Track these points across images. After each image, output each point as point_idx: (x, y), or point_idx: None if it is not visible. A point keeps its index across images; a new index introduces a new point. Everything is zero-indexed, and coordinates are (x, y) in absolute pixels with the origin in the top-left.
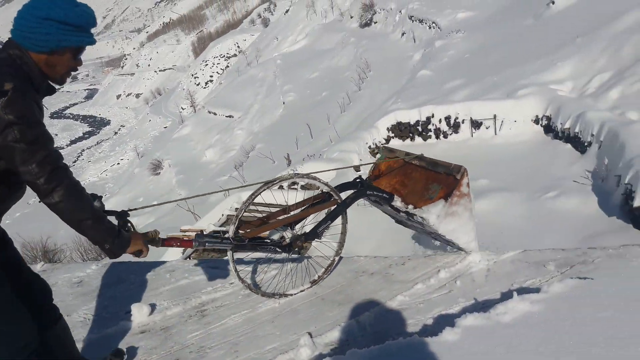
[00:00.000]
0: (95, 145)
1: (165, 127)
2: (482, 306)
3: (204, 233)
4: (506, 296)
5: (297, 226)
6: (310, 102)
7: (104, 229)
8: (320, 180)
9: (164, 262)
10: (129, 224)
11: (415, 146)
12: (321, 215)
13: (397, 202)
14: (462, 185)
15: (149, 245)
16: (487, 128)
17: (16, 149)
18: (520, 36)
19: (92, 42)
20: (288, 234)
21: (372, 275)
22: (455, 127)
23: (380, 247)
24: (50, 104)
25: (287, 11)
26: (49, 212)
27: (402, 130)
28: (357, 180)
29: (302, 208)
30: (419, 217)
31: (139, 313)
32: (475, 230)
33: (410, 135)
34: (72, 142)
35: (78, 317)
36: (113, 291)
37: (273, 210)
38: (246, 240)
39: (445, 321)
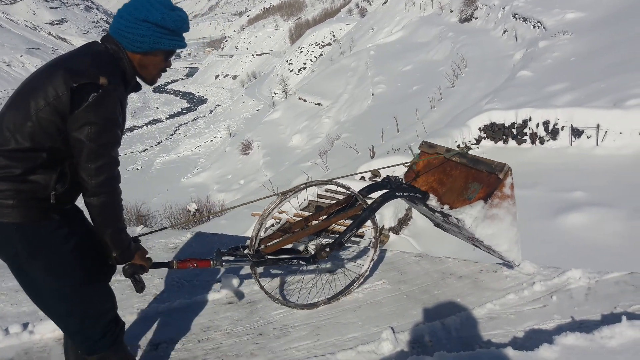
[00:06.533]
0: (191, 121)
1: (257, 110)
2: (580, 326)
3: (221, 250)
4: (609, 319)
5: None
6: (400, 95)
7: (120, 240)
8: (343, 185)
9: None
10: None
11: (508, 149)
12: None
13: (432, 202)
14: (504, 186)
15: (163, 268)
16: (588, 137)
17: (85, 146)
18: (634, 42)
19: (184, 46)
20: (312, 245)
21: (460, 279)
22: (554, 133)
23: (464, 249)
24: None
25: (385, 2)
26: (145, 180)
27: (495, 131)
28: (386, 180)
29: (325, 217)
30: (453, 219)
31: (228, 284)
32: (519, 238)
33: (504, 137)
34: (171, 116)
35: (172, 281)
36: None
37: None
38: (266, 255)
39: (539, 336)
